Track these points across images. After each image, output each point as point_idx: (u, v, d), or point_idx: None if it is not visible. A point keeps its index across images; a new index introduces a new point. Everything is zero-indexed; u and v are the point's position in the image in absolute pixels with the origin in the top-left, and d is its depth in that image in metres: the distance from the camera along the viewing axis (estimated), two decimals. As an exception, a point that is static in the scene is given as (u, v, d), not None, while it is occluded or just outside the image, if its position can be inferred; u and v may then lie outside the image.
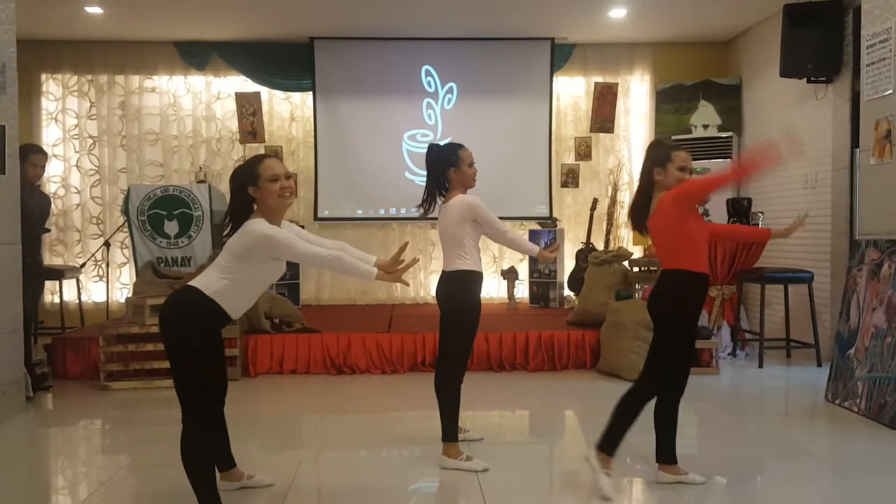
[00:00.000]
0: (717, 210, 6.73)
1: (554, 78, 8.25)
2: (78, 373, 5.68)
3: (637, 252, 7.44)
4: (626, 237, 8.33)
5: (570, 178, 8.49)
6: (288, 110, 8.42)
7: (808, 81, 6.34)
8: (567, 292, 7.99)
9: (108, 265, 7.72)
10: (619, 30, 7.79)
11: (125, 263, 8.20)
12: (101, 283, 8.08)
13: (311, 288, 8.37)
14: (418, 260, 3.28)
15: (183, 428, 2.81)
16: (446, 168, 3.65)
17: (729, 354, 6.27)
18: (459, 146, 3.76)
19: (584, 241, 7.93)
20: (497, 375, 5.68)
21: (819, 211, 6.36)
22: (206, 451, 2.88)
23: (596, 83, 8.36)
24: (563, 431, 4.60)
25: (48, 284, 7.28)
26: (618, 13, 7.26)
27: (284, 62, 8.13)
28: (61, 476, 3.79)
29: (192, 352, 2.78)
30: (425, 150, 3.82)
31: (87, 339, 5.72)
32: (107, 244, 7.67)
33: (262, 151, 7.86)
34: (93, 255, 8.02)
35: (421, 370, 5.72)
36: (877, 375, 4.38)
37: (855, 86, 5.77)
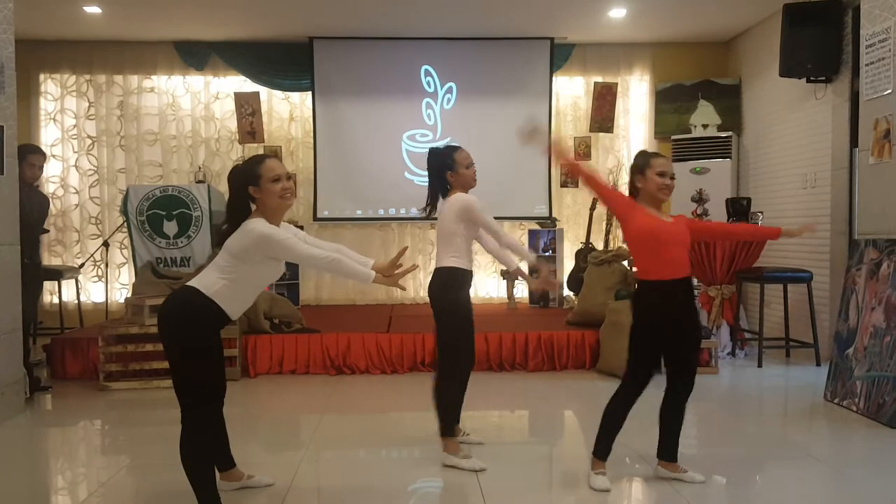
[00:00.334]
0: (717, 210, 6.74)
1: (553, 78, 8.25)
2: (77, 373, 5.68)
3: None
4: (625, 237, 8.31)
5: (570, 179, 8.49)
6: (287, 110, 8.42)
7: (808, 81, 6.34)
8: (567, 292, 8.00)
9: (107, 265, 7.72)
10: (618, 30, 7.79)
11: (124, 264, 8.20)
12: (100, 283, 8.09)
13: (311, 288, 8.37)
14: (417, 266, 3.28)
15: (182, 428, 2.81)
16: (444, 172, 3.67)
17: (728, 354, 6.28)
18: (455, 149, 3.76)
19: (584, 241, 7.93)
20: (497, 375, 5.68)
21: (818, 210, 6.37)
22: (206, 451, 2.88)
23: (595, 83, 8.36)
24: (562, 431, 4.60)
25: (47, 285, 7.26)
26: (617, 13, 7.26)
27: (283, 62, 8.13)
28: (61, 477, 3.78)
29: (191, 352, 2.78)
30: (425, 151, 3.86)
31: (86, 339, 5.72)
32: (106, 244, 7.67)
33: (261, 152, 7.86)
34: (92, 255, 8.01)
35: (420, 370, 5.72)
36: (876, 374, 4.38)
37: (854, 85, 5.77)
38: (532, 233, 8.23)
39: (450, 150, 3.74)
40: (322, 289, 8.43)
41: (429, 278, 3.75)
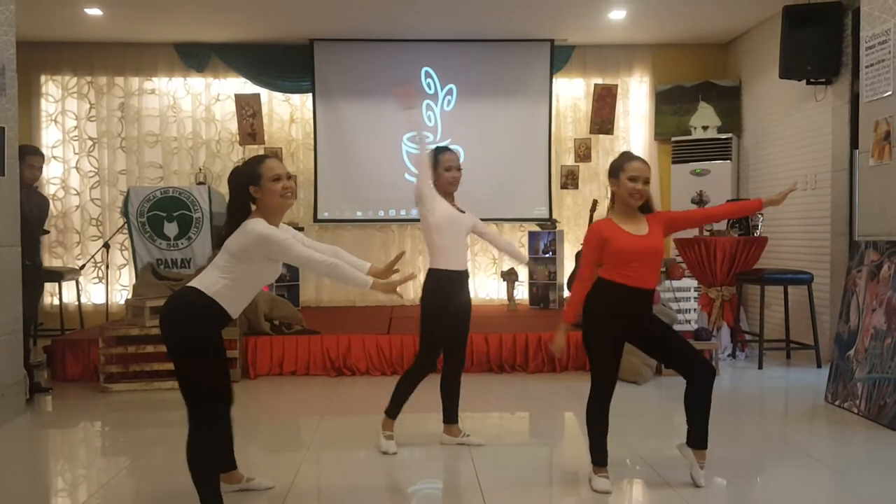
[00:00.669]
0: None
1: (553, 79, 8.26)
2: (77, 375, 5.68)
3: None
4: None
5: (570, 180, 8.50)
6: (287, 112, 8.43)
7: (808, 83, 6.35)
8: (567, 294, 7.99)
9: (107, 267, 7.72)
10: (618, 31, 7.80)
11: (125, 265, 8.21)
12: (101, 284, 8.09)
13: (311, 289, 8.38)
14: (414, 275, 3.35)
15: (188, 428, 2.82)
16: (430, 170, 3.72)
17: (729, 356, 6.28)
18: (440, 150, 3.79)
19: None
20: (497, 377, 5.68)
21: (818, 212, 6.37)
22: (211, 451, 2.89)
23: (595, 85, 8.37)
24: (562, 433, 4.59)
25: (47, 286, 7.27)
26: (617, 15, 7.26)
27: (284, 64, 8.14)
28: (61, 478, 3.78)
29: (192, 352, 2.79)
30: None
31: (86, 340, 5.72)
32: (106, 246, 7.67)
33: (261, 153, 7.86)
34: (92, 256, 8.02)
35: (421, 372, 5.71)
36: (876, 376, 4.38)
37: (854, 87, 5.77)
38: (532, 234, 8.23)
39: (436, 150, 3.80)
40: (322, 290, 8.43)
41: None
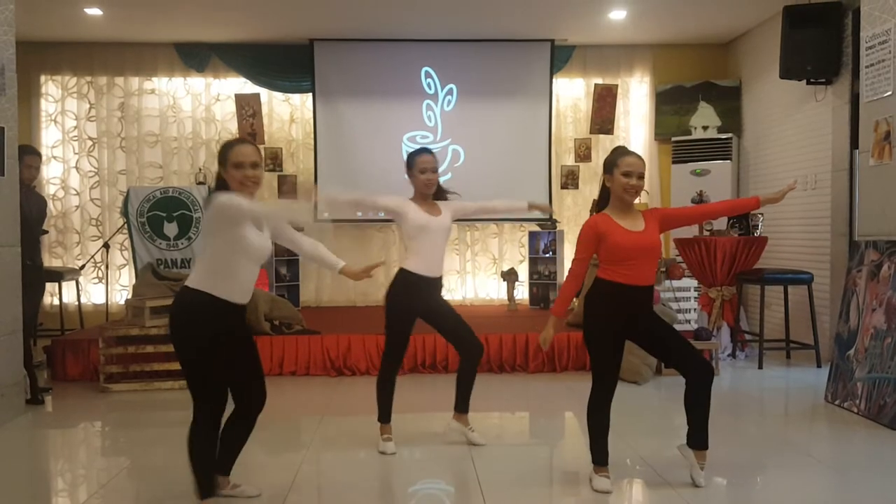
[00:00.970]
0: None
1: (554, 79, 8.25)
2: (77, 375, 5.68)
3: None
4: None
5: (570, 180, 8.50)
6: (288, 112, 8.43)
7: (808, 83, 6.35)
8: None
9: (107, 267, 7.72)
10: (618, 31, 7.79)
11: (125, 265, 8.21)
12: (101, 284, 8.09)
13: (311, 289, 8.38)
14: (384, 262, 3.48)
15: (191, 419, 2.87)
16: (407, 172, 3.77)
17: (729, 356, 6.28)
18: (417, 152, 3.83)
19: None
20: (497, 377, 5.68)
21: (819, 212, 6.37)
22: (209, 446, 2.91)
23: (596, 85, 8.37)
24: (562, 433, 4.59)
25: (47, 286, 7.26)
26: (617, 15, 7.26)
27: (284, 64, 8.14)
28: (61, 478, 3.78)
29: (192, 351, 2.81)
30: None
31: (86, 341, 5.72)
32: (106, 246, 7.67)
33: (262, 153, 7.86)
34: (92, 256, 8.02)
35: (421, 371, 5.72)
36: (876, 376, 4.38)
37: (854, 87, 5.77)
38: (532, 234, 8.23)
39: (414, 152, 3.84)
40: (322, 290, 8.43)
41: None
